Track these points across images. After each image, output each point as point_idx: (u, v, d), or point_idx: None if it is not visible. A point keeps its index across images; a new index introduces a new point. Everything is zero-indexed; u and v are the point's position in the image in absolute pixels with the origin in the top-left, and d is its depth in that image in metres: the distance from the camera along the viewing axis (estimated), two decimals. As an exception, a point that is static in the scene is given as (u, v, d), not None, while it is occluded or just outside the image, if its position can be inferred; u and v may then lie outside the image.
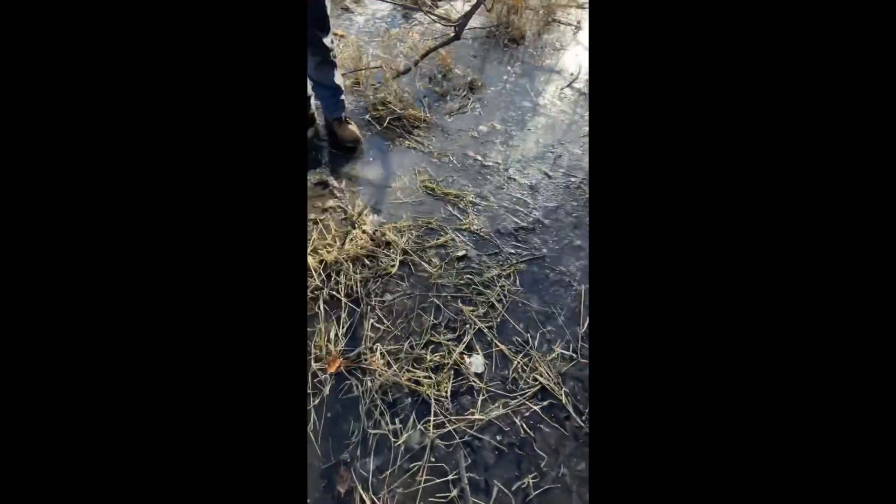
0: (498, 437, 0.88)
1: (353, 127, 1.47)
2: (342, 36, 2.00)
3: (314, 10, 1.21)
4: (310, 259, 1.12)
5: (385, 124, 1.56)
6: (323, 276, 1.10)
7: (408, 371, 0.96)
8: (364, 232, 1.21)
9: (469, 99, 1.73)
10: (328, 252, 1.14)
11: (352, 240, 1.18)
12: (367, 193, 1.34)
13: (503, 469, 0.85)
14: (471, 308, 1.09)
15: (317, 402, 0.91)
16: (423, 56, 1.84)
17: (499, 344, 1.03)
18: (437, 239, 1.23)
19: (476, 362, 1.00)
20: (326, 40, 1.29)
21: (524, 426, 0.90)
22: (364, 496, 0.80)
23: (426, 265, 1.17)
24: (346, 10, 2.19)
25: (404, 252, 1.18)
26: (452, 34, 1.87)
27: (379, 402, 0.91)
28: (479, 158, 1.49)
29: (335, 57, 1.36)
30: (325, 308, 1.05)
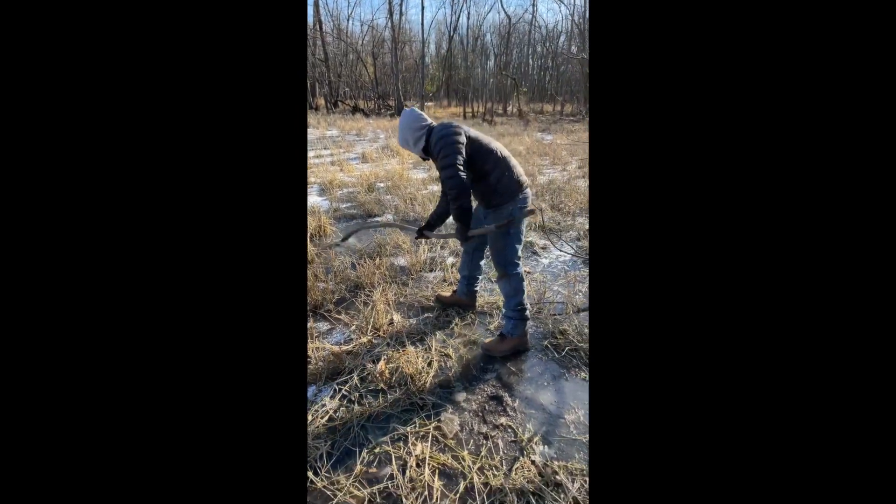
0: None
1: (496, 347, 1.62)
2: (528, 272, 2.44)
3: (502, 245, 1.58)
4: (475, 477, 1.10)
5: (563, 353, 1.65)
6: (487, 502, 1.04)
7: None
8: (533, 464, 1.15)
9: (650, 342, 1.72)
10: (494, 476, 1.11)
11: (519, 468, 1.13)
12: (538, 419, 1.33)
13: None
14: None
15: None
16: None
17: None
18: (617, 499, 1.05)
19: None
20: (508, 269, 1.61)
21: None
22: None
23: (602, 531, 0.98)
24: (535, 253, 2.73)
25: (576, 502, 1.04)
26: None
27: None
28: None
29: (509, 281, 1.62)
30: (482, 546, 0.95)
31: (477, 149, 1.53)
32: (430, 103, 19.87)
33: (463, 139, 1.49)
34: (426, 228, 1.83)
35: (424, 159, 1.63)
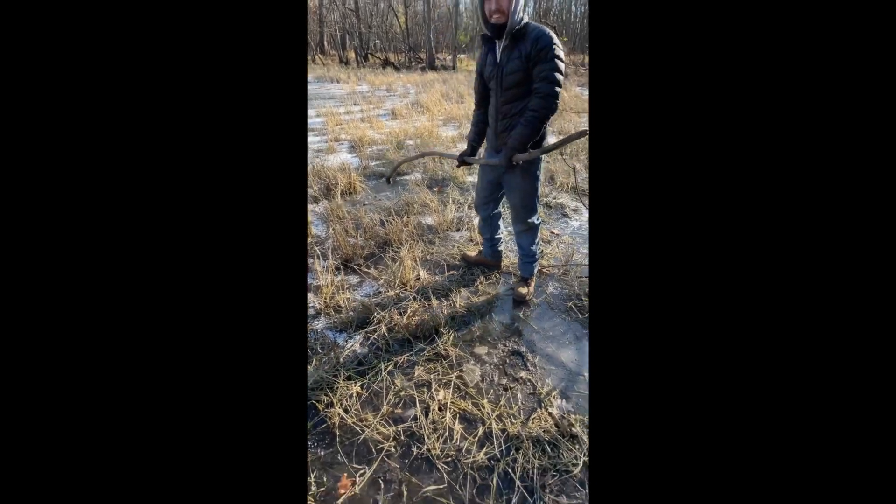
0: None
1: (525, 290, 1.74)
2: (557, 234, 2.40)
3: (529, 195, 1.63)
4: (493, 424, 1.17)
5: (587, 314, 1.65)
6: (503, 447, 1.11)
7: None
8: (550, 415, 1.20)
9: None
10: (511, 423, 1.17)
11: (536, 419, 1.18)
12: (558, 376, 1.37)
13: None
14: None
15: None
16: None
17: None
18: (631, 453, 1.09)
19: None
20: (532, 219, 1.68)
21: None
22: None
23: (613, 480, 1.02)
24: (565, 215, 2.66)
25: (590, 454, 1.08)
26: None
27: None
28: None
29: (532, 230, 1.71)
30: (498, 483, 1.02)
31: None
32: (462, 55, 18.87)
33: None
34: (467, 155, 1.75)
35: (490, 36, 1.41)
